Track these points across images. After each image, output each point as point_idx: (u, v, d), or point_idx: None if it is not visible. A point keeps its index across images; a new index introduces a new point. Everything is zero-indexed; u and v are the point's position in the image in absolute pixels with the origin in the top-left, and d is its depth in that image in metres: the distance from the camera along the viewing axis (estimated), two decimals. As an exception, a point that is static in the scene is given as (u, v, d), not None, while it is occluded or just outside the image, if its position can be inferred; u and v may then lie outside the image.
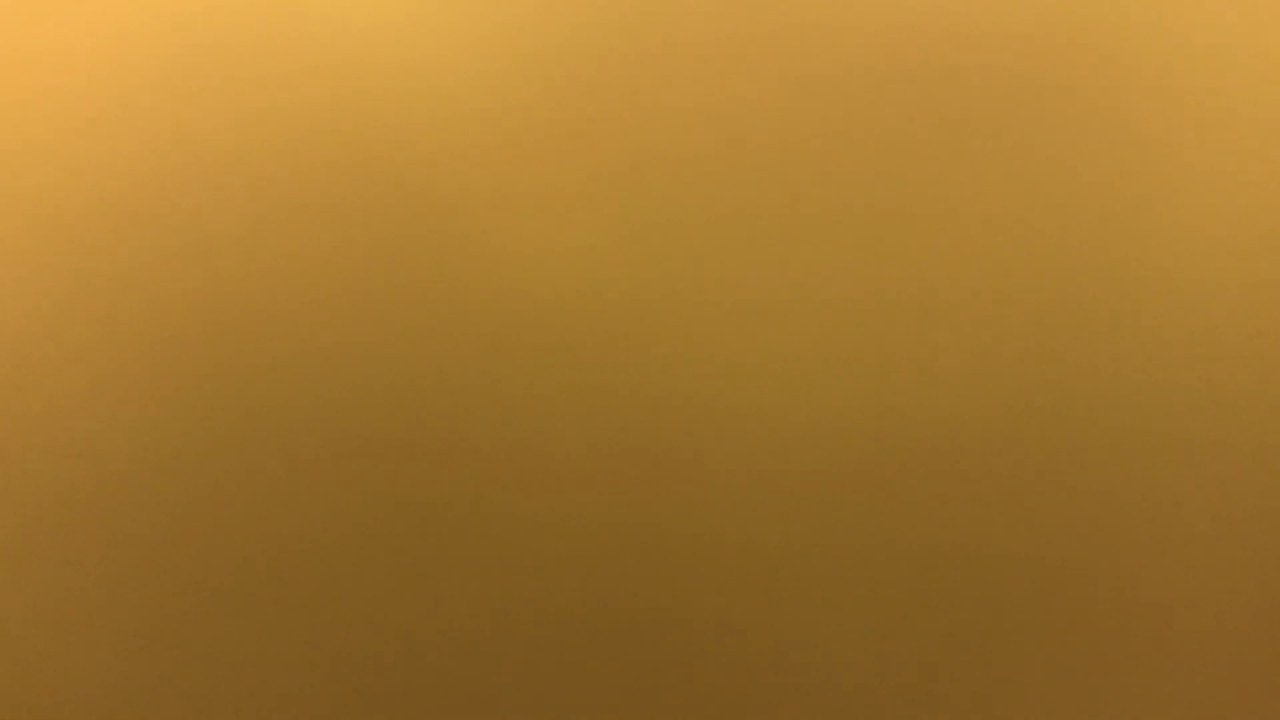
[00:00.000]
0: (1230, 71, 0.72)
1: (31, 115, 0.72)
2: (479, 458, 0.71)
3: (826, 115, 0.72)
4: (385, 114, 0.72)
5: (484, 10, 0.73)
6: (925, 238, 0.71)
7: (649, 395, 0.71)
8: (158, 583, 0.71)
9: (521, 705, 0.70)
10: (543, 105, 0.72)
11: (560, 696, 0.71)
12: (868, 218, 0.72)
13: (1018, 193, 0.72)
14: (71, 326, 0.71)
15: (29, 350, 0.71)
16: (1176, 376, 0.71)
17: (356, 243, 0.72)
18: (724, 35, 0.72)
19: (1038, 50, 0.72)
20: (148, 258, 0.72)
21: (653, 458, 0.71)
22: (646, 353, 0.71)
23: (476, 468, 0.71)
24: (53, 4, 0.73)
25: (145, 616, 0.70)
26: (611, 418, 0.71)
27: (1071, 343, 0.71)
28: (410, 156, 0.72)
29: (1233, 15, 0.72)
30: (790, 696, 0.70)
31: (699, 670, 0.70)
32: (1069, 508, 0.70)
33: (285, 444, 0.71)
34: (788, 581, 0.71)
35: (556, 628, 0.70)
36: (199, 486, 0.71)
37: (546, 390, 0.71)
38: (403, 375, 0.71)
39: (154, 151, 0.72)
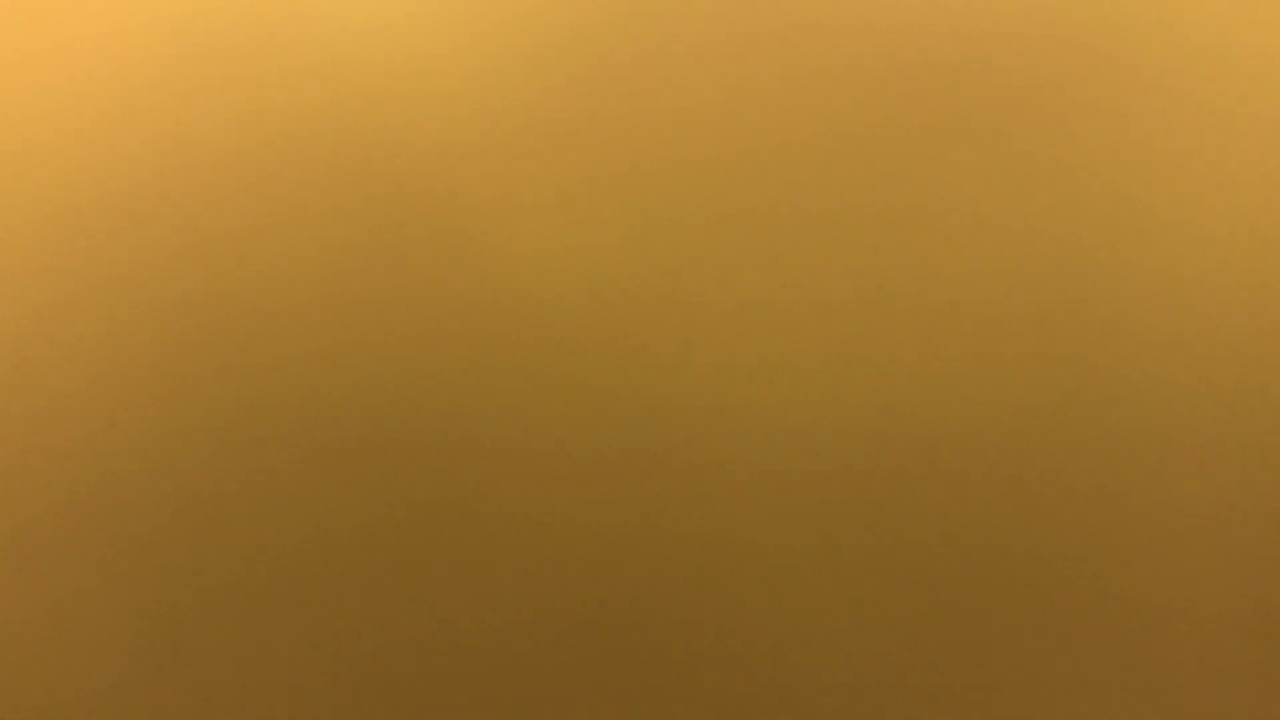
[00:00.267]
0: (1230, 71, 0.72)
1: (31, 115, 0.72)
2: (479, 457, 0.71)
3: (827, 115, 0.72)
4: (385, 114, 0.72)
5: (484, 10, 0.73)
6: (926, 237, 0.71)
7: (649, 394, 0.71)
8: (158, 582, 0.71)
9: (521, 704, 0.70)
10: (543, 105, 0.72)
11: (560, 695, 0.71)
12: (868, 217, 0.72)
13: (1018, 192, 0.72)
14: (71, 326, 0.71)
15: (29, 350, 0.71)
16: (1176, 376, 0.71)
17: (356, 242, 0.72)
18: (724, 35, 0.72)
19: (1038, 50, 0.72)
20: (148, 257, 0.72)
21: (653, 457, 0.71)
22: (647, 352, 0.71)
23: (477, 467, 0.71)
24: (53, 4, 0.73)
25: (145, 616, 0.70)
26: (612, 417, 0.71)
27: (1071, 342, 0.71)
28: (410, 156, 0.72)
29: (1233, 15, 0.72)
30: (790, 695, 0.70)
31: (699, 669, 0.70)
32: (1069, 507, 0.70)
33: (285, 443, 0.71)
34: (789, 580, 0.71)
35: (557, 627, 0.70)
36: (199, 486, 0.71)
37: (547, 389, 0.71)
38: (403, 375, 0.71)
39: (154, 151, 0.72)
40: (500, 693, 0.71)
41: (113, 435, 0.71)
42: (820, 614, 0.70)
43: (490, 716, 0.70)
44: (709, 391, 0.71)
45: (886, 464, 0.71)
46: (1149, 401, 0.71)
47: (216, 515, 0.71)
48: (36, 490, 0.71)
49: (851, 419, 0.71)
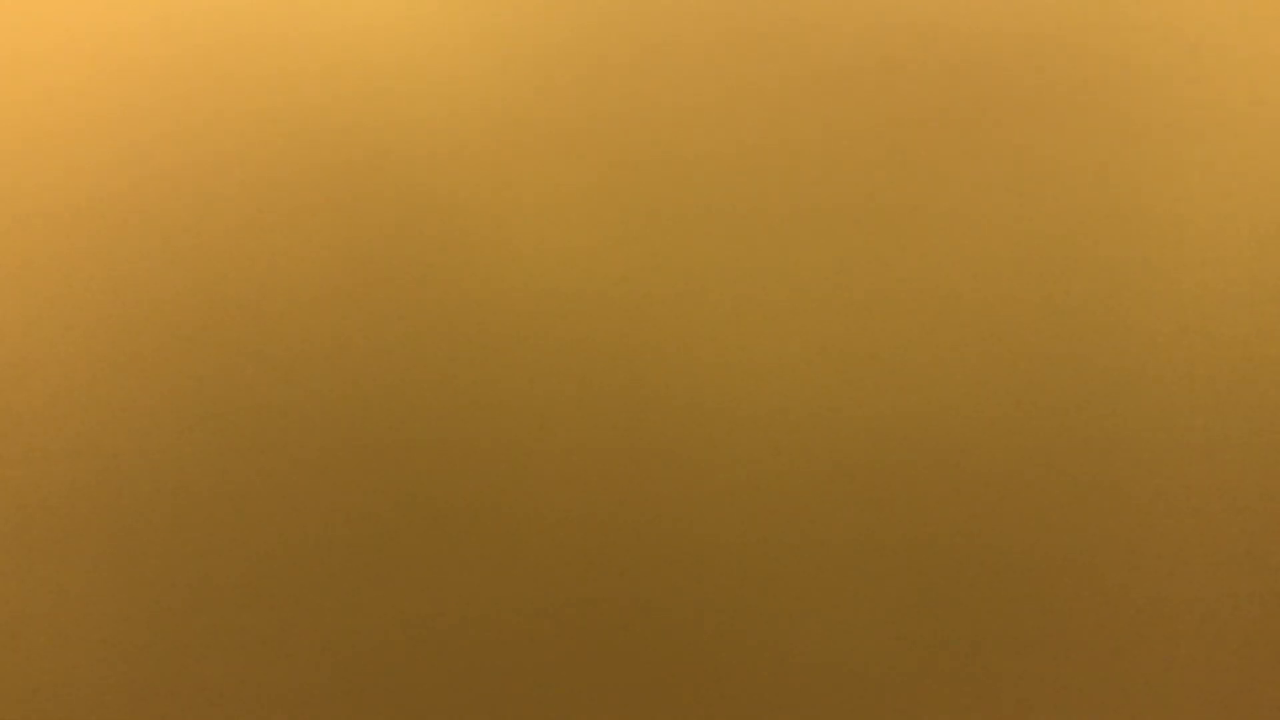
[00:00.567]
0: (1231, 71, 0.72)
1: (31, 115, 0.72)
2: (479, 455, 0.71)
3: (827, 114, 0.72)
4: (385, 114, 0.72)
5: (483, 10, 0.73)
6: (926, 236, 0.71)
7: (649, 393, 0.71)
8: (158, 582, 0.71)
9: (521, 703, 0.70)
10: (543, 105, 0.72)
11: (559, 694, 0.71)
12: (868, 216, 0.72)
13: (1018, 192, 0.72)
14: (72, 326, 0.71)
15: (29, 350, 0.71)
16: (1176, 375, 0.71)
17: (356, 241, 0.72)
18: (724, 34, 0.72)
19: (1038, 50, 0.72)
20: (148, 256, 0.72)
21: (653, 455, 0.71)
22: (647, 351, 0.71)
23: (477, 465, 0.71)
24: (53, 4, 0.73)
25: (145, 616, 0.70)
26: (612, 415, 0.71)
27: (1071, 341, 0.71)
28: (410, 156, 0.72)
29: (1233, 15, 0.72)
30: (790, 694, 0.70)
31: (699, 667, 0.70)
32: (1068, 506, 0.70)
33: (286, 442, 0.71)
34: (788, 578, 0.70)
35: (556, 625, 0.70)
36: (200, 485, 0.71)
37: (546, 388, 0.71)
38: (403, 373, 0.71)
39: (154, 151, 0.72)
40: (500, 691, 0.71)
41: (113, 435, 0.71)
42: (821, 611, 0.70)
43: (490, 715, 0.70)
44: (709, 390, 0.71)
45: (886, 462, 0.71)
46: (1149, 401, 0.71)
47: (217, 514, 0.71)
48: (36, 490, 0.71)
49: (851, 417, 0.71)
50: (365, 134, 0.72)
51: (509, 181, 0.72)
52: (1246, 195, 0.71)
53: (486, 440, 0.71)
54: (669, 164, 0.72)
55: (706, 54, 0.72)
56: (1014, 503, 0.70)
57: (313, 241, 0.72)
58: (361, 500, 0.71)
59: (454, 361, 0.71)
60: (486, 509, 0.71)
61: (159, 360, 0.71)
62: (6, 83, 0.72)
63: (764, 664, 0.70)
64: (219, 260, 0.71)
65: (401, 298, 0.71)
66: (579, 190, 0.72)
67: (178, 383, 0.71)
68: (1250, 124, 0.72)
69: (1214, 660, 0.70)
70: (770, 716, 0.70)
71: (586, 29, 0.73)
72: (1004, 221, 0.71)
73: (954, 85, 0.72)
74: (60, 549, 0.70)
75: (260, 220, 0.72)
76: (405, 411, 0.71)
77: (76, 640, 0.70)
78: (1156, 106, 0.72)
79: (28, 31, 0.73)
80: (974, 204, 0.72)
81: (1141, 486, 0.71)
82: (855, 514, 0.71)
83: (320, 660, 0.70)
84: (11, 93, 0.72)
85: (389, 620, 0.70)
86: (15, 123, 0.72)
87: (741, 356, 0.71)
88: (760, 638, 0.70)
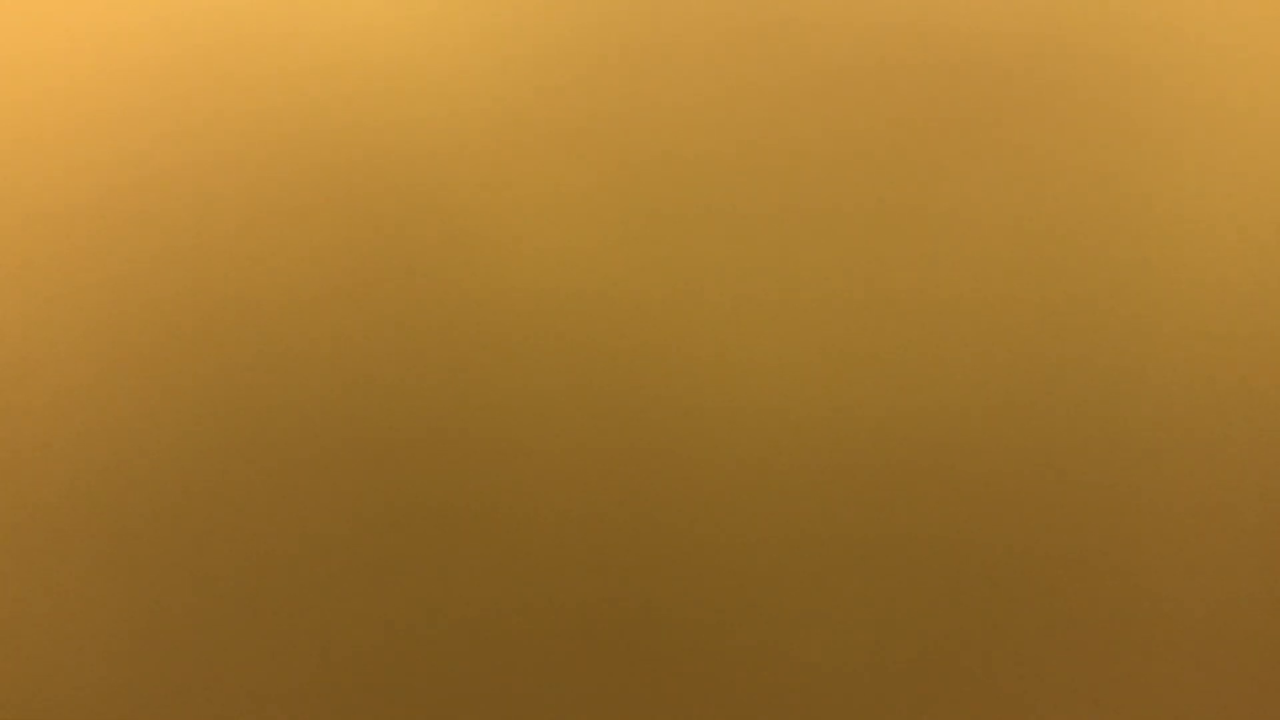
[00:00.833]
0: (1232, 71, 0.72)
1: (31, 115, 0.72)
2: (479, 455, 0.71)
3: (827, 114, 0.72)
4: (385, 114, 0.72)
5: (483, 10, 0.73)
6: (926, 236, 0.71)
7: (649, 392, 0.71)
8: (157, 582, 0.71)
9: (521, 703, 0.70)
10: (543, 105, 0.72)
11: (559, 694, 0.71)
12: (869, 216, 0.72)
13: (1018, 191, 0.72)
14: (72, 326, 0.71)
15: (29, 350, 0.71)
16: (1177, 375, 0.71)
17: (356, 242, 0.72)
18: (724, 34, 0.72)
19: (1038, 50, 0.72)
20: (148, 257, 0.72)
21: (653, 455, 0.71)
22: (647, 350, 0.71)
23: (476, 465, 0.71)
24: (53, 4, 0.73)
25: (144, 616, 0.70)
26: (612, 415, 0.71)
27: (1071, 341, 0.71)
28: (410, 156, 0.72)
29: (1233, 15, 0.72)
30: (789, 694, 0.70)
31: (699, 667, 0.70)
32: (1068, 505, 0.70)
33: (286, 442, 0.71)
34: (788, 578, 0.71)
35: (555, 625, 0.70)
36: (200, 484, 0.71)
37: (547, 387, 0.71)
38: (402, 373, 0.71)
39: (154, 151, 0.72)
40: (500, 690, 0.71)
41: (113, 434, 0.71)
42: (820, 612, 0.70)
43: (490, 716, 0.70)
44: (709, 390, 0.71)
45: (887, 462, 0.71)
46: (1150, 401, 0.71)
47: (216, 514, 0.71)
48: (36, 489, 0.71)
49: (852, 418, 0.71)
50: (365, 134, 0.72)
51: (509, 181, 0.72)
52: (1247, 195, 0.71)
53: (486, 440, 0.71)
54: (669, 164, 0.72)
55: (706, 54, 0.72)
56: (1015, 503, 0.70)
57: (313, 241, 0.72)
58: (361, 500, 0.71)
59: (453, 361, 0.71)
60: (486, 509, 0.71)
61: (159, 360, 0.71)
62: (6, 83, 0.72)
63: (764, 664, 0.70)
64: (218, 260, 0.71)
65: (401, 297, 0.71)
66: (579, 190, 0.72)
67: (177, 382, 0.71)
68: (1251, 124, 0.72)
69: (1215, 660, 0.70)
70: (770, 716, 0.70)
71: (586, 29, 0.73)
72: (1004, 221, 0.72)
73: (954, 85, 0.72)
74: (60, 549, 0.70)
75: (260, 220, 0.72)
76: (405, 411, 0.71)
77: (76, 640, 0.70)
78: (1157, 107, 0.72)
79: (28, 31, 0.73)
80: (974, 204, 0.72)
81: (1142, 486, 0.71)
82: (856, 514, 0.71)
83: (320, 660, 0.70)
84: (11, 93, 0.72)
85: (389, 620, 0.70)
86: (15, 123, 0.72)
87: (742, 356, 0.71)
88: (760, 638, 0.70)
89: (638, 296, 0.71)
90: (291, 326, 0.71)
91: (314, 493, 0.71)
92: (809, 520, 0.71)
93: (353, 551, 0.70)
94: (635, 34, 0.73)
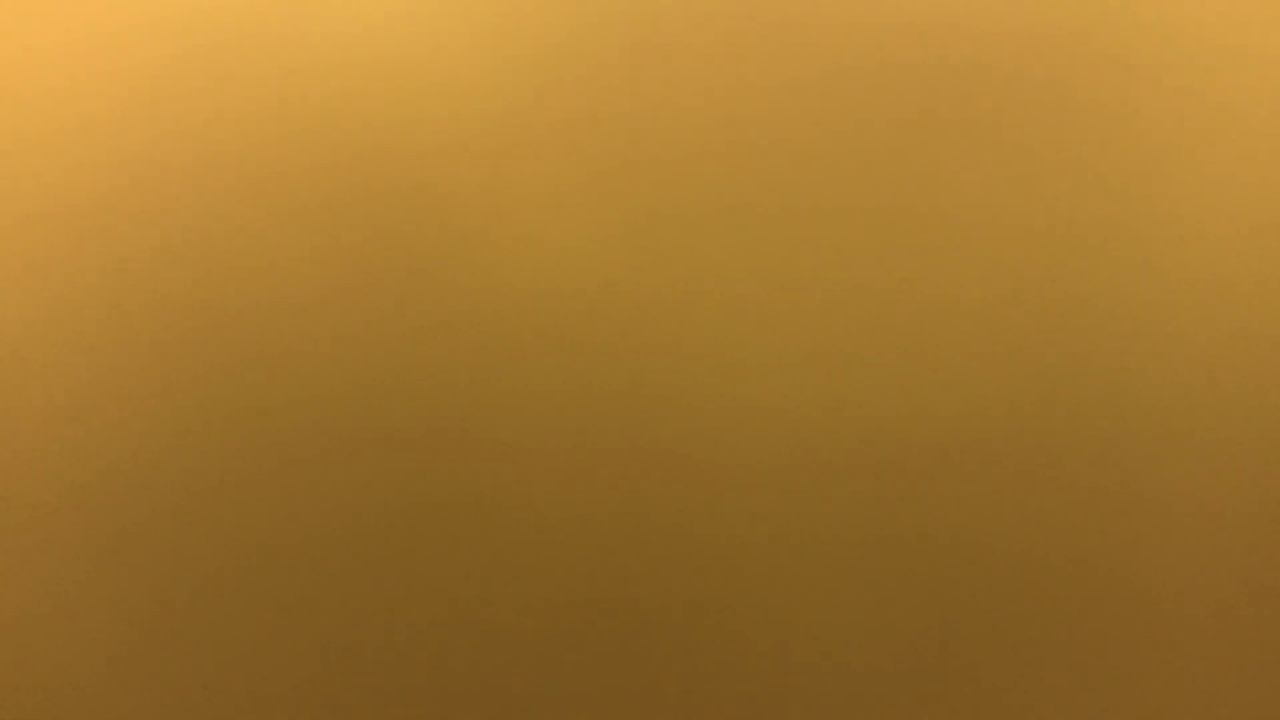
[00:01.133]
0: (1233, 71, 0.72)
1: (31, 115, 0.72)
2: (479, 454, 0.71)
3: (827, 113, 0.72)
4: (385, 114, 0.72)
5: (483, 10, 0.73)
6: (926, 235, 0.71)
7: (649, 392, 0.71)
8: (157, 582, 0.71)
9: (522, 703, 0.70)
10: (543, 104, 0.72)
11: (559, 694, 0.71)
12: (869, 215, 0.72)
13: (1018, 190, 0.72)
14: (72, 325, 0.71)
15: (29, 350, 0.71)
16: (1178, 375, 0.71)
17: (356, 241, 0.72)
18: (724, 34, 0.72)
19: (1039, 49, 0.72)
20: (148, 257, 0.72)
21: (653, 455, 0.71)
22: (647, 350, 0.71)
23: (477, 465, 0.71)
24: (53, 4, 0.73)
25: (145, 616, 0.70)
26: (612, 414, 0.71)
27: (1072, 340, 0.71)
28: (410, 156, 0.72)
29: (1234, 15, 0.72)
30: (788, 693, 0.70)
31: (699, 667, 0.70)
32: (1068, 505, 0.70)
33: (285, 441, 0.71)
34: (788, 577, 0.71)
35: (556, 625, 0.70)
36: (199, 484, 0.71)
37: (547, 387, 0.71)
38: (402, 373, 0.71)
39: (154, 151, 0.72)
40: (500, 692, 0.71)
41: (112, 434, 0.71)
42: (821, 612, 0.70)
43: (490, 716, 0.70)
44: (709, 389, 0.71)
45: (887, 462, 0.71)
46: (1151, 401, 0.71)
47: (217, 513, 0.71)
48: (36, 489, 0.71)
49: (852, 417, 0.71)
50: (365, 134, 0.72)
51: (509, 181, 0.72)
52: (1249, 195, 0.71)
53: (486, 440, 0.71)
54: (669, 164, 0.72)
55: (707, 54, 0.72)
56: (1016, 502, 0.70)
57: (313, 241, 0.72)
58: (361, 499, 0.71)
59: (453, 361, 0.71)
60: (486, 508, 0.71)
61: (159, 359, 0.71)
62: (6, 83, 0.72)
63: (764, 663, 0.70)
64: (217, 259, 0.71)
65: (401, 297, 0.71)
66: (579, 190, 0.72)
67: (177, 381, 0.71)
68: (1253, 123, 0.72)
69: (1215, 660, 0.70)
70: (770, 715, 0.70)
71: (586, 29, 0.73)
72: (1005, 221, 0.72)
73: (954, 85, 0.72)
74: (60, 549, 0.70)
75: (260, 220, 0.72)
76: (405, 411, 0.71)
77: (76, 640, 0.70)
78: (1158, 106, 0.72)
79: (28, 31, 0.73)
80: (974, 203, 0.72)
81: (1143, 486, 0.71)
82: (856, 513, 0.71)
83: (321, 660, 0.70)
84: (12, 93, 0.72)
85: (389, 621, 0.70)
86: (15, 123, 0.72)
87: (742, 356, 0.71)
88: (761, 637, 0.70)
89: (638, 296, 0.71)
90: (291, 326, 0.71)
91: (314, 492, 0.71)
92: (809, 519, 0.71)
93: (353, 551, 0.70)
94: (635, 34, 0.73)
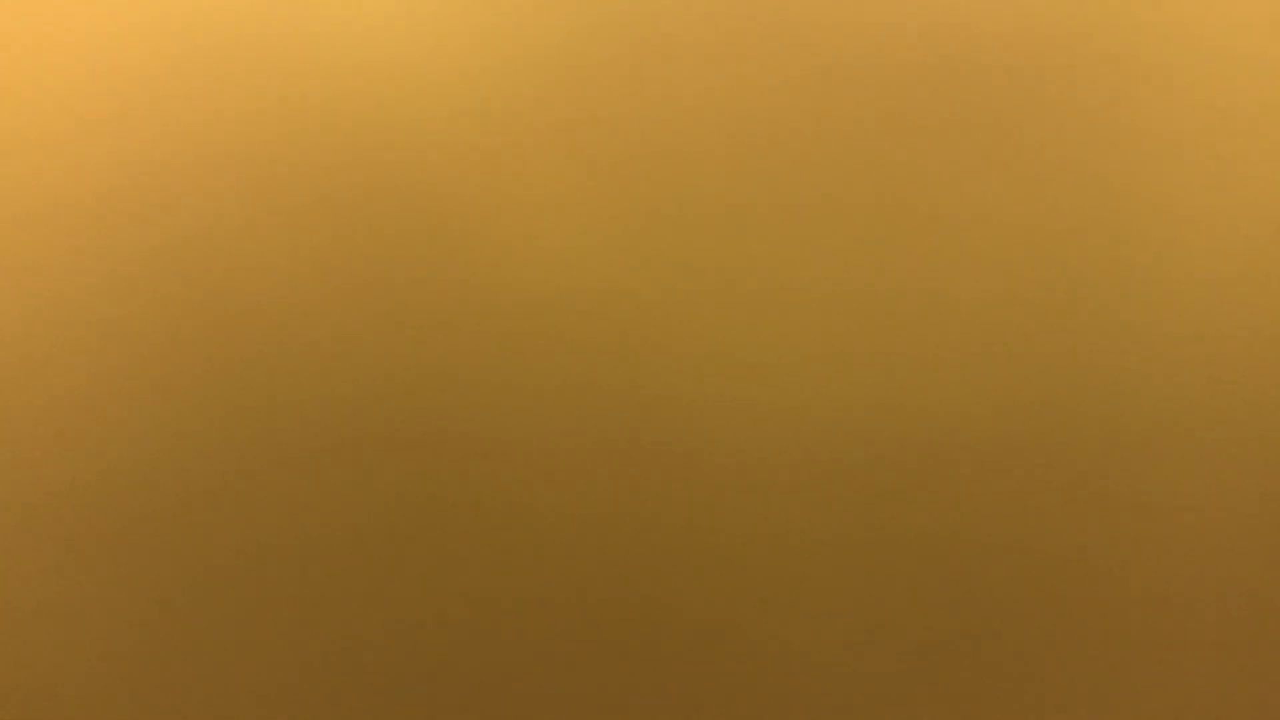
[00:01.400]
0: (1234, 71, 0.72)
1: (32, 115, 0.72)
2: (478, 454, 0.71)
3: (827, 112, 0.72)
4: (385, 114, 0.72)
5: (483, 10, 0.73)
6: (926, 235, 0.71)
7: (649, 391, 0.71)
8: (157, 582, 0.71)
9: (522, 703, 0.70)
10: (543, 104, 0.72)
11: (559, 694, 0.71)
12: (869, 214, 0.72)
13: (1018, 189, 0.72)
14: (72, 325, 0.71)
15: (29, 350, 0.71)
16: (1178, 375, 0.71)
17: (356, 241, 0.72)
18: (724, 34, 0.72)
19: (1039, 50, 0.72)
20: (147, 257, 0.72)
21: (654, 453, 0.71)
22: (647, 349, 0.71)
23: (476, 464, 0.71)
24: (53, 4, 0.73)
25: (145, 616, 0.70)
26: (612, 414, 0.71)
27: (1073, 340, 0.71)
28: (410, 156, 0.72)
29: (1235, 15, 0.72)
30: (787, 692, 0.70)
31: (699, 665, 0.70)
32: (1069, 504, 0.70)
33: (286, 441, 0.71)
34: (788, 577, 0.71)
35: (557, 623, 0.70)
36: (199, 484, 0.71)
37: (547, 387, 0.71)
38: (402, 372, 0.71)
39: (154, 151, 0.72)
40: (501, 692, 0.71)
41: (113, 434, 0.71)
42: (821, 612, 0.70)
43: (490, 716, 0.70)
44: (709, 389, 0.71)
45: (888, 462, 0.71)
46: (1151, 401, 0.71)
47: (216, 512, 0.71)
48: (36, 489, 0.71)
49: (853, 417, 0.71)
50: (365, 134, 0.72)
51: (509, 181, 0.72)
52: (1248, 195, 0.71)
53: (486, 440, 0.71)
54: (670, 163, 0.72)
55: (707, 53, 0.72)
56: (1017, 501, 0.70)
57: (312, 241, 0.72)
58: (361, 500, 0.71)
59: (453, 360, 0.71)
60: (485, 509, 0.71)
61: (158, 359, 0.71)
62: (6, 83, 0.72)
63: (765, 662, 0.70)
64: (216, 259, 0.71)
65: (401, 297, 0.71)
66: (578, 190, 0.72)
67: (177, 381, 0.71)
68: (1254, 123, 0.72)
69: (1215, 660, 0.70)
70: (770, 714, 0.70)
71: (586, 29, 0.73)
72: (1005, 221, 0.72)
73: (954, 85, 0.72)
74: (60, 549, 0.70)
75: (260, 219, 0.72)
76: (405, 410, 0.71)
77: (76, 640, 0.70)
78: (1159, 105, 0.72)
79: (28, 32, 0.73)
80: (975, 203, 0.72)
81: (1143, 486, 0.71)
82: (856, 512, 0.71)
83: (321, 660, 0.70)
84: (12, 93, 0.72)
85: (390, 621, 0.70)
86: (15, 123, 0.72)
87: (742, 355, 0.71)
88: (761, 636, 0.70)
89: (638, 296, 0.71)
90: (291, 325, 0.71)
91: (314, 492, 0.71)
92: (810, 519, 0.71)
93: (353, 551, 0.70)
94: (635, 33, 0.73)
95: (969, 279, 0.71)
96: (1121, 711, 0.70)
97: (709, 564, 0.70)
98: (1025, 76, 0.72)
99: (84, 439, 0.71)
